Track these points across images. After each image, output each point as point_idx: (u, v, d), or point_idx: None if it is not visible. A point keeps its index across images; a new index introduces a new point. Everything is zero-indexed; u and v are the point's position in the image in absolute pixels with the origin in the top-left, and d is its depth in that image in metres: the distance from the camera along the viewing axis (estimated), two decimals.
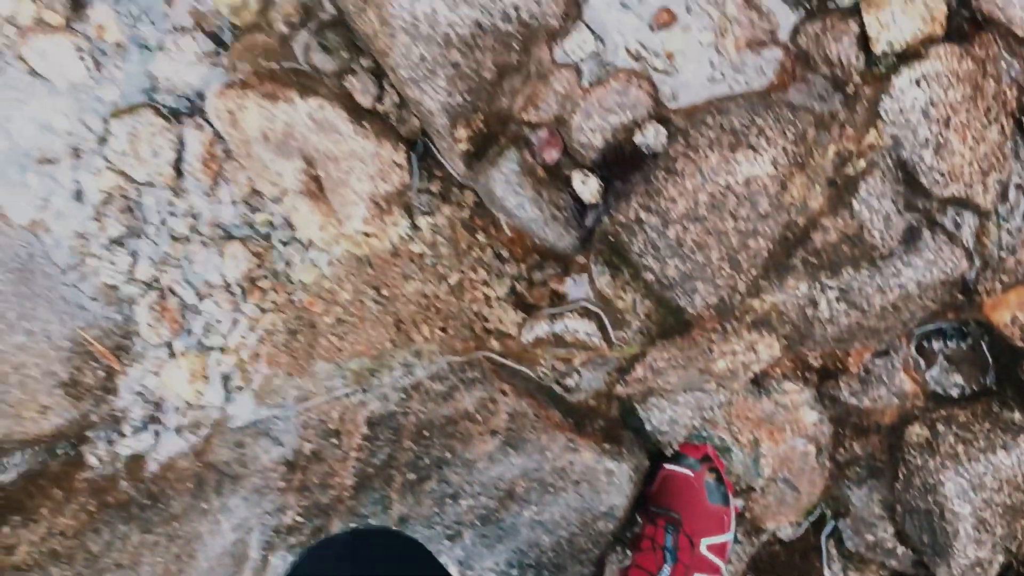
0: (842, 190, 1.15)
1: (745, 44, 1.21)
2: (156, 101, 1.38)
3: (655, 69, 1.23)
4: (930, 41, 1.12)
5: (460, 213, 1.43)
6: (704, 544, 1.40)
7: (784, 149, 1.12)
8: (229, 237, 1.41)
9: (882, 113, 1.12)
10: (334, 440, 1.42)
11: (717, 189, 1.12)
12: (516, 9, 1.15)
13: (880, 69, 1.15)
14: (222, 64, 1.37)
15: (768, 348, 1.31)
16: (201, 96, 1.38)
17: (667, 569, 1.37)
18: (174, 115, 1.38)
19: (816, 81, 1.19)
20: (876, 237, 1.14)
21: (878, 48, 1.13)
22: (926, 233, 1.18)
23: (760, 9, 1.20)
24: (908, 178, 1.14)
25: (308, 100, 1.33)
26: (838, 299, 1.21)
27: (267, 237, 1.43)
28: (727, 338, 1.31)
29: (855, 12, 1.16)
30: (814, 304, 1.25)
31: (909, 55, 1.12)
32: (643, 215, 1.19)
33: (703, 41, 1.22)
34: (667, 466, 1.45)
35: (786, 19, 1.21)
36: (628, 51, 1.23)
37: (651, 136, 1.22)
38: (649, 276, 1.23)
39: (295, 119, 1.33)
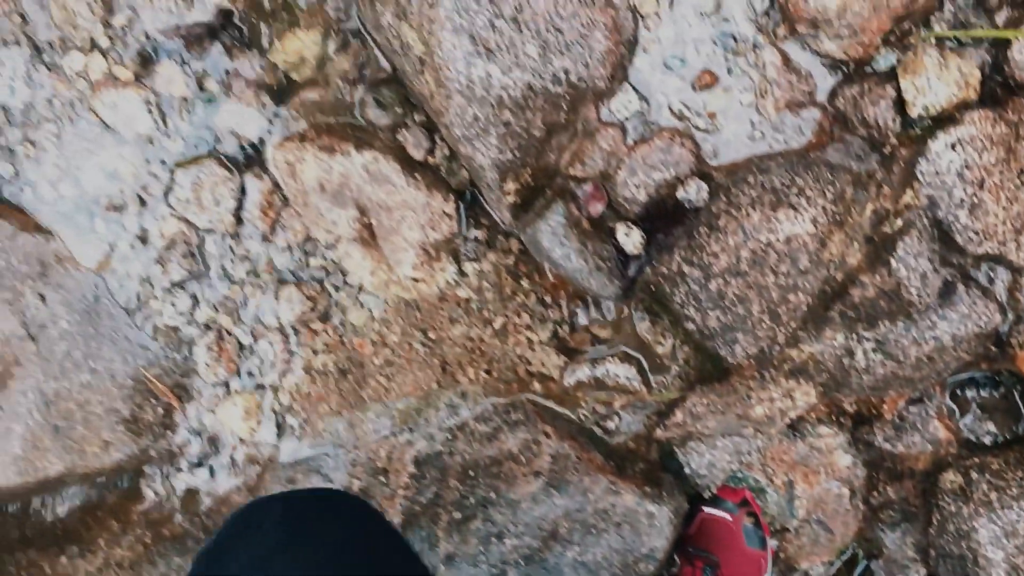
0: (880, 247, 1.19)
1: (784, 105, 1.25)
2: (219, 152, 1.45)
3: (697, 128, 1.28)
4: (964, 106, 1.17)
5: (505, 260, 1.48)
6: None
7: (823, 208, 1.16)
8: (284, 281, 1.46)
9: (918, 175, 1.16)
10: (382, 478, 1.47)
11: (759, 246, 1.17)
12: (566, 72, 1.21)
13: (916, 131, 1.19)
14: (281, 117, 1.44)
15: (805, 395, 1.35)
16: (260, 147, 1.45)
17: None
18: (235, 165, 1.44)
19: (854, 142, 1.23)
20: (913, 293, 1.18)
21: (914, 112, 1.17)
22: (961, 288, 1.22)
23: (799, 72, 1.25)
24: (943, 236, 1.18)
25: (363, 153, 1.39)
26: (874, 350, 1.25)
27: (320, 281, 1.49)
28: (765, 385, 1.35)
29: (891, 77, 1.20)
30: (851, 354, 1.29)
31: (944, 119, 1.16)
32: (686, 268, 1.23)
33: (744, 101, 1.27)
34: (706, 509, 1.46)
35: (824, 82, 1.25)
36: (671, 110, 1.28)
37: (693, 192, 1.27)
38: (690, 326, 1.27)
39: (351, 171, 1.39)
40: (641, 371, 1.45)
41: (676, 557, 1.50)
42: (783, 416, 1.41)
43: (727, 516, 1.44)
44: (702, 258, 1.21)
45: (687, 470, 1.42)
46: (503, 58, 1.18)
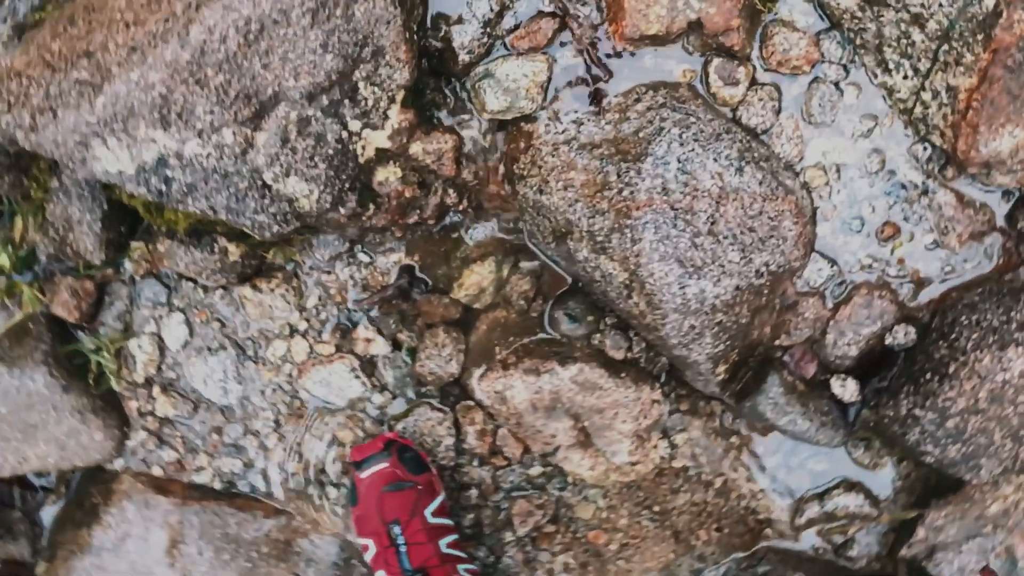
0: None
1: (968, 237, 1.31)
2: (427, 396, 1.50)
3: (890, 276, 1.33)
4: None
5: (711, 422, 1.53)
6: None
7: None
8: (513, 498, 1.51)
9: None
10: None
11: (995, 386, 1.22)
12: (766, 265, 1.27)
13: None
14: (464, 354, 1.49)
15: None
16: (459, 382, 1.50)
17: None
18: (446, 404, 1.50)
19: None
20: None
21: None
22: None
23: (974, 205, 1.30)
24: None
25: (569, 367, 1.44)
26: None
27: (542, 488, 1.53)
28: (998, 486, 1.39)
29: None
30: None
31: None
32: (918, 412, 1.28)
33: (927, 243, 1.32)
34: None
35: (1001, 208, 1.31)
36: (862, 266, 1.33)
37: (901, 336, 1.32)
38: (928, 459, 1.32)
39: (560, 387, 1.45)
40: (869, 496, 1.49)
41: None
42: (1017, 507, 1.45)
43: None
44: (935, 403, 1.25)
45: None
46: (711, 271, 1.24)
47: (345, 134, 1.26)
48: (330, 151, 1.25)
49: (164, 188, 1.22)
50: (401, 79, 1.25)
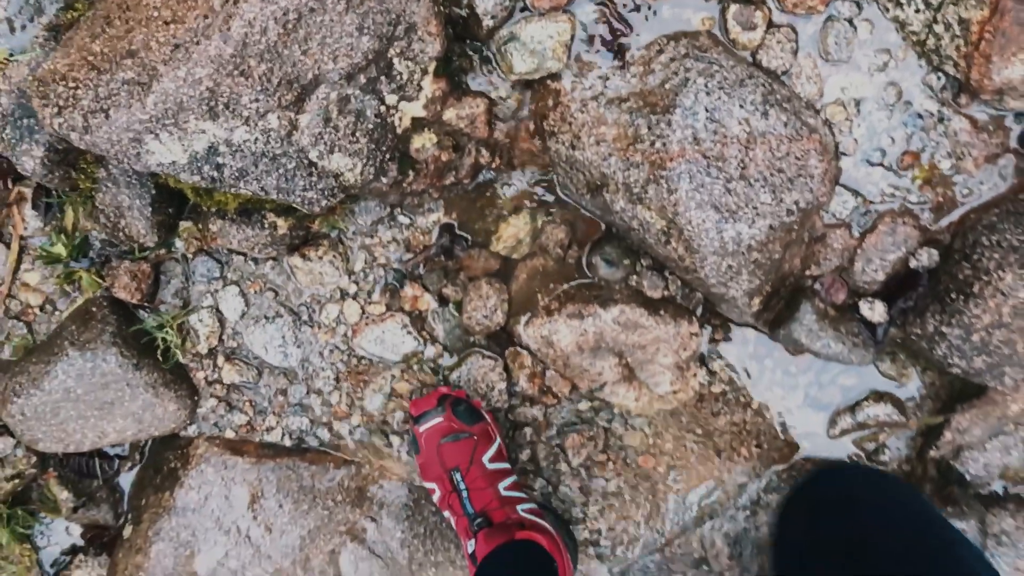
0: None
1: (984, 160, 1.37)
2: (478, 345, 1.59)
3: (912, 203, 1.40)
4: None
5: (745, 348, 1.62)
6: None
7: None
8: (565, 432, 1.61)
9: None
10: (704, 567, 1.63)
11: (1018, 301, 1.30)
12: (796, 203, 1.33)
13: None
14: (508, 304, 1.56)
15: None
16: (505, 329, 1.58)
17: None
18: (495, 352, 1.58)
19: None
20: None
21: None
22: None
23: (988, 129, 1.36)
24: None
25: (610, 309, 1.52)
26: None
27: (591, 421, 1.63)
28: (1019, 388, 1.49)
29: None
30: None
31: None
32: (945, 329, 1.36)
33: (946, 167, 1.38)
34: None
35: (1014, 131, 1.36)
36: (884, 195, 1.39)
37: (925, 258, 1.39)
38: (955, 370, 1.41)
39: (603, 328, 1.53)
40: (897, 404, 1.59)
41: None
42: None
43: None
44: (961, 319, 1.33)
45: (968, 477, 1.57)
46: (745, 214, 1.30)
47: (383, 108, 1.31)
48: (370, 126, 1.30)
49: (216, 175, 1.28)
50: (433, 51, 1.29)
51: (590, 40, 1.35)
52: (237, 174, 1.27)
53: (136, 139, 1.22)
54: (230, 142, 1.24)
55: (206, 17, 1.16)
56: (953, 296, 1.30)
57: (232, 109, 1.21)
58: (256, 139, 1.24)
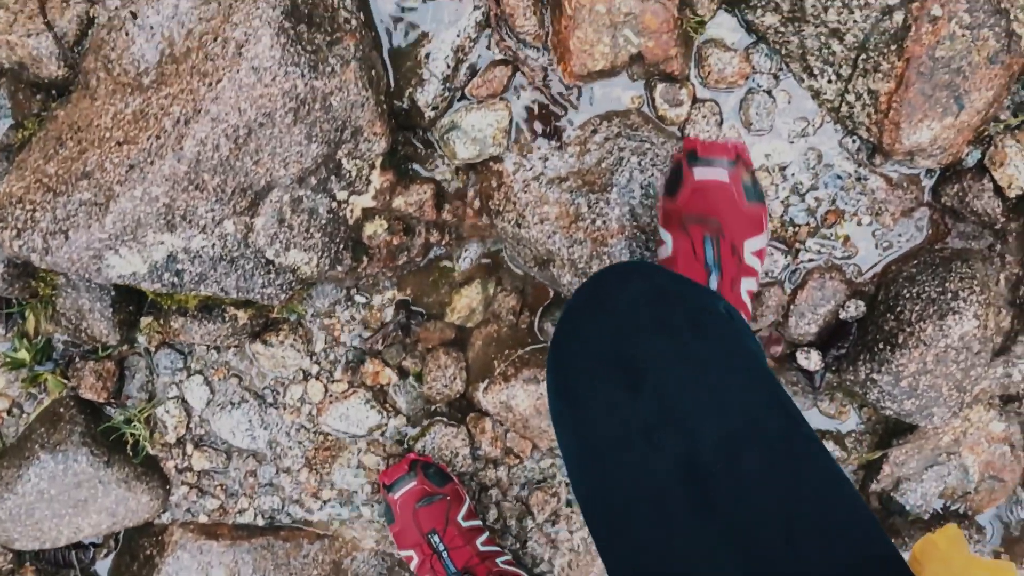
0: (1022, 309, 1.43)
1: (900, 214, 1.47)
2: (440, 413, 1.65)
3: (837, 258, 1.50)
4: None
5: None
6: (747, 248, 1.26)
7: (976, 300, 1.40)
8: (529, 490, 1.69)
9: None
10: None
11: (939, 349, 1.41)
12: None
13: (1019, 207, 1.42)
14: (466, 371, 1.63)
15: (978, 414, 1.60)
16: (465, 396, 1.65)
17: (714, 281, 1.21)
18: (456, 419, 1.65)
19: (967, 226, 1.46)
20: None
21: (1011, 194, 1.39)
22: None
23: (902, 185, 1.46)
24: None
25: None
26: None
27: (554, 476, 1.71)
28: (950, 422, 1.60)
29: (983, 169, 1.42)
30: (1009, 376, 1.53)
31: None
32: (875, 376, 1.46)
33: (865, 223, 1.48)
34: (697, 174, 1.24)
35: (925, 185, 1.47)
36: (812, 252, 1.49)
37: (852, 310, 1.49)
38: (887, 412, 1.51)
39: None
40: (838, 441, 1.69)
41: (665, 232, 1.29)
42: (965, 434, 1.66)
43: (723, 175, 1.24)
44: (889, 367, 1.43)
45: (907, 507, 1.68)
46: None
47: (335, 204, 1.37)
48: (323, 221, 1.36)
49: (177, 280, 1.32)
50: (379, 148, 1.36)
51: (529, 122, 1.42)
52: (197, 278, 1.32)
53: (96, 256, 1.26)
54: (188, 250, 1.29)
55: (158, 137, 1.21)
56: (880, 346, 1.39)
57: (189, 220, 1.26)
58: (214, 244, 1.29)
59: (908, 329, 1.35)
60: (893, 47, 1.28)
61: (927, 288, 1.36)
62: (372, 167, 1.37)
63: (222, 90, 1.19)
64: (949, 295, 1.34)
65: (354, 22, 1.27)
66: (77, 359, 1.53)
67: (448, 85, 1.39)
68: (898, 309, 1.38)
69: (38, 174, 1.27)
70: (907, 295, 1.37)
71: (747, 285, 1.25)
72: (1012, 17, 1.26)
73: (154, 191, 1.21)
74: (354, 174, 1.35)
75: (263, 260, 1.33)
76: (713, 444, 0.72)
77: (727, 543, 0.68)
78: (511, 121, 1.41)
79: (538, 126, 1.43)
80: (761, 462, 0.72)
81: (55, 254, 1.25)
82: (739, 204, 1.24)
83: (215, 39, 1.19)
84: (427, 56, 1.37)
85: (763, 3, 1.35)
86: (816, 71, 1.38)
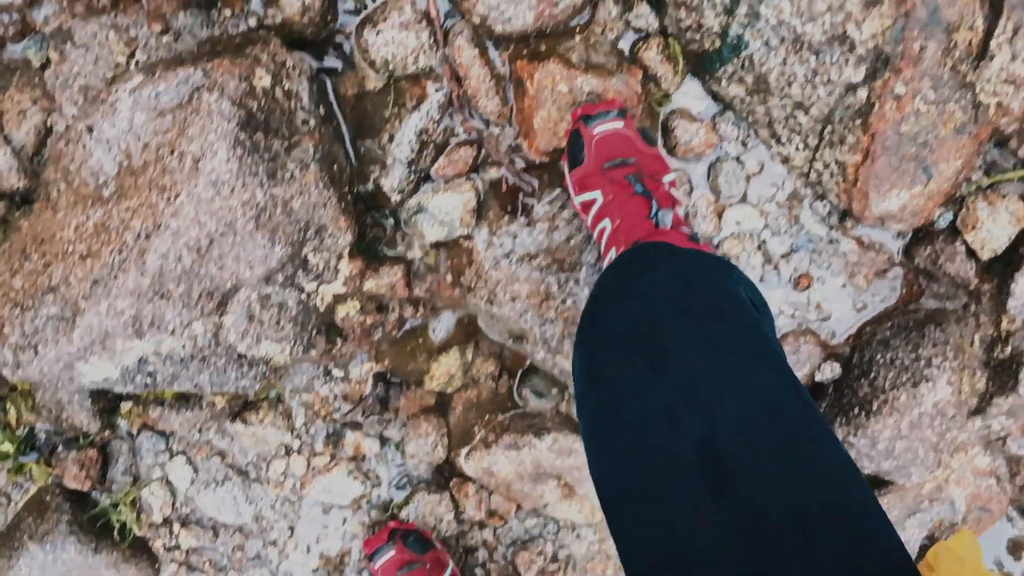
0: (996, 371, 1.44)
1: (873, 275, 1.47)
2: (421, 481, 1.67)
3: (811, 320, 1.50)
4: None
5: None
6: (665, 182, 1.32)
7: (949, 367, 1.40)
8: (515, 550, 1.70)
9: (1010, 309, 1.39)
10: None
11: (913, 416, 1.41)
12: None
13: (992, 271, 1.42)
14: (447, 437, 1.64)
15: (959, 461, 1.61)
16: (448, 461, 1.66)
17: (665, 216, 1.24)
18: (439, 485, 1.66)
19: (941, 287, 1.45)
20: None
21: (984, 256, 1.39)
22: None
23: (875, 247, 1.46)
24: None
25: (544, 438, 1.61)
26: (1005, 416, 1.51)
27: (539, 536, 1.73)
28: (931, 472, 1.61)
29: (955, 231, 1.42)
30: (989, 428, 1.54)
31: (1014, 259, 1.39)
32: (852, 439, 1.47)
33: (838, 285, 1.48)
34: (596, 130, 1.30)
35: (896, 246, 1.47)
36: (785, 315, 1.49)
37: (828, 372, 1.50)
38: (866, 471, 1.52)
39: (539, 456, 1.61)
40: None
41: (590, 192, 1.33)
42: (947, 480, 1.67)
43: (618, 124, 1.30)
44: (865, 432, 1.44)
45: None
46: None
47: (304, 296, 1.37)
48: (293, 312, 1.36)
49: (150, 380, 1.33)
50: (345, 241, 1.35)
51: (497, 199, 1.41)
52: (170, 377, 1.33)
53: (67, 367, 1.26)
54: (159, 352, 1.29)
55: (120, 252, 1.21)
56: (856, 412, 1.40)
57: (157, 325, 1.26)
58: (184, 345, 1.30)
59: (882, 397, 1.36)
60: (858, 122, 1.27)
61: (900, 354, 1.36)
62: (340, 257, 1.37)
63: (181, 205, 1.18)
64: (922, 362, 1.34)
65: (312, 121, 1.26)
66: (60, 447, 1.54)
67: (413, 168, 1.38)
68: (872, 375, 1.38)
69: (4, 288, 1.27)
70: (881, 360, 1.37)
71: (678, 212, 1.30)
72: (978, 89, 1.24)
73: (119, 305, 1.21)
74: (321, 266, 1.35)
75: (235, 355, 1.34)
76: (732, 426, 0.74)
77: (739, 524, 0.69)
78: (479, 202, 1.40)
79: (506, 203, 1.42)
80: (777, 443, 0.73)
81: (26, 368, 1.26)
82: (641, 147, 1.30)
83: (172, 152, 1.18)
84: (391, 139, 1.36)
85: (727, 75, 1.33)
86: (784, 139, 1.37)
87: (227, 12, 1.24)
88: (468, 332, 1.57)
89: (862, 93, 1.25)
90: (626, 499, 0.79)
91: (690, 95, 1.39)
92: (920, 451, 1.40)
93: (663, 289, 0.88)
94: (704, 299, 0.86)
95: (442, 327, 1.56)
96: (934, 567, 0.80)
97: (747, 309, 0.88)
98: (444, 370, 1.58)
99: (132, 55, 1.23)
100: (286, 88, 1.22)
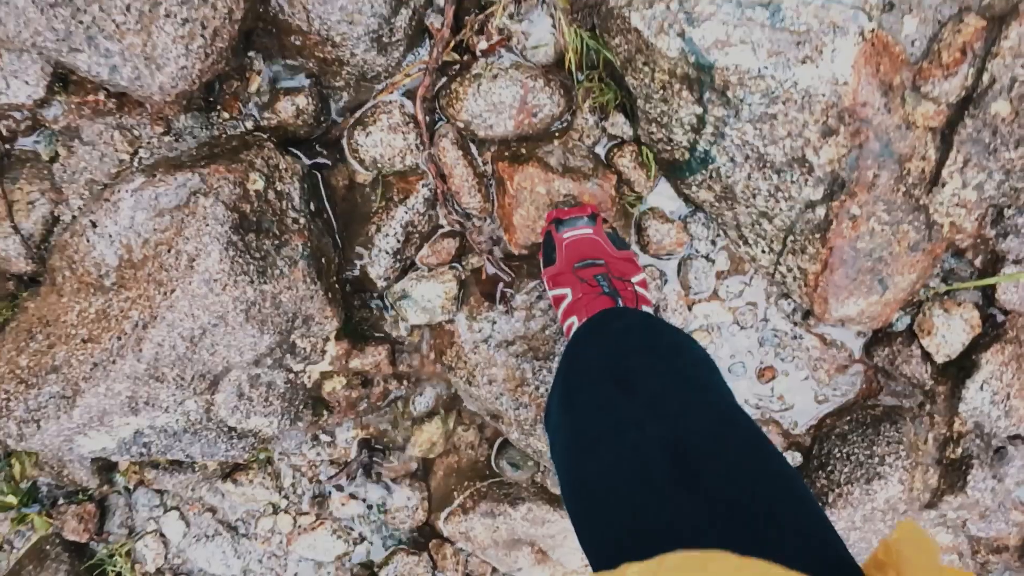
0: (948, 469, 1.51)
1: (834, 371, 1.55)
2: (402, 542, 1.75)
3: (774, 411, 1.57)
4: (976, 342, 1.46)
5: None
6: (634, 282, 1.36)
7: (902, 466, 1.47)
8: None
9: (962, 413, 1.47)
10: None
11: (866, 510, 1.48)
12: None
13: (946, 374, 1.49)
14: (428, 501, 1.73)
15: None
16: (428, 523, 1.75)
17: (620, 301, 1.29)
18: (420, 547, 1.75)
19: (898, 384, 1.53)
20: (982, 494, 1.50)
21: (939, 360, 1.46)
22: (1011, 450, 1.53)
23: (836, 344, 1.53)
24: (996, 451, 1.50)
25: (519, 507, 1.69)
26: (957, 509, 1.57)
27: None
28: None
29: (912, 334, 1.49)
30: (945, 516, 1.61)
31: (967, 364, 1.46)
32: None
33: (801, 378, 1.56)
34: (566, 235, 1.38)
35: (857, 344, 1.54)
36: (749, 404, 1.57)
37: (789, 460, 1.58)
38: None
39: (514, 524, 1.69)
40: None
41: (561, 288, 1.37)
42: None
43: (587, 231, 1.38)
44: None
45: None
46: None
47: (292, 375, 1.45)
48: (281, 390, 1.45)
49: (144, 451, 1.42)
50: (332, 327, 1.44)
51: (478, 287, 1.49)
52: (163, 448, 1.42)
53: (67, 440, 1.36)
54: (154, 426, 1.38)
55: (119, 338, 1.30)
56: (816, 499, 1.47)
57: (152, 404, 1.35)
58: (177, 420, 1.39)
59: (837, 490, 1.43)
60: (817, 235, 1.34)
61: (856, 450, 1.43)
62: (326, 340, 1.45)
63: (176, 299, 1.27)
64: (876, 459, 1.41)
65: (303, 220, 1.35)
66: (61, 500, 1.63)
67: (399, 257, 1.47)
68: (829, 468, 1.45)
69: (11, 365, 1.36)
70: (838, 454, 1.45)
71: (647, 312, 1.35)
72: (932, 211, 1.31)
73: (117, 387, 1.30)
74: (308, 349, 1.43)
75: (225, 428, 1.43)
76: (696, 433, 0.83)
77: (708, 508, 0.75)
78: (460, 290, 1.49)
79: (487, 291, 1.50)
80: (739, 446, 0.83)
81: (28, 440, 1.35)
82: (610, 252, 1.37)
83: (169, 250, 1.27)
84: (378, 230, 1.45)
85: (697, 182, 1.41)
86: (751, 241, 1.44)
87: (225, 115, 1.33)
88: (449, 404, 1.65)
89: (820, 210, 1.32)
90: (594, 494, 0.85)
91: (663, 195, 1.46)
92: (874, 541, 1.48)
93: (629, 331, 1.04)
94: (664, 339, 1.02)
95: (424, 401, 1.64)
96: (887, 562, 0.85)
97: (700, 348, 1.03)
98: (427, 437, 1.67)
99: (135, 153, 1.32)
100: (278, 189, 1.31)
